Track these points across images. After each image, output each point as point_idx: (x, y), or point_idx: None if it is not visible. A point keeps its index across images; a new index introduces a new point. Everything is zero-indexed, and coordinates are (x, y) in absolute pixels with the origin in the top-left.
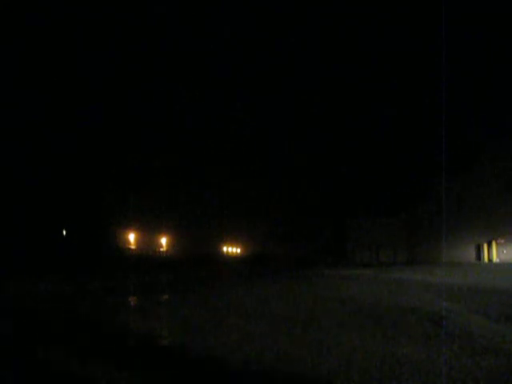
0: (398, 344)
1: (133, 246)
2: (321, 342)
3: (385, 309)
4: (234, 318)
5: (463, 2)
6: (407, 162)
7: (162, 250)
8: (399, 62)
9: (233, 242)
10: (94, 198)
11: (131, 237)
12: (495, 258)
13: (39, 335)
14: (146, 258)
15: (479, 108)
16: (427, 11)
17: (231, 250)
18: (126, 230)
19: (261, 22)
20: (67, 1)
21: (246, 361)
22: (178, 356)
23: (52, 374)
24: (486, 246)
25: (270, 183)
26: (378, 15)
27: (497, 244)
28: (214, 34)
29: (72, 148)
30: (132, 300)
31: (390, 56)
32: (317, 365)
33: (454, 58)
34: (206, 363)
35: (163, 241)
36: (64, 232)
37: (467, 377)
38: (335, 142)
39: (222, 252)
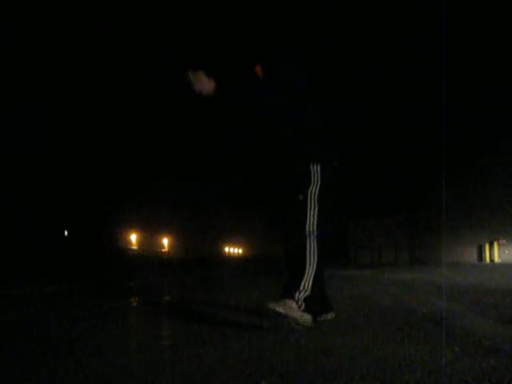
0: (399, 344)
1: (135, 247)
2: None
3: (385, 308)
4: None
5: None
6: (407, 163)
7: (163, 250)
8: (399, 62)
9: (234, 242)
10: (95, 198)
11: (133, 237)
12: (497, 259)
13: None
14: (147, 258)
15: (480, 107)
16: (427, 11)
17: (233, 250)
18: (128, 230)
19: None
20: (67, 1)
21: None
22: None
23: None
24: (487, 247)
25: (270, 184)
26: (378, 15)
27: (498, 245)
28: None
29: (73, 148)
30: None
31: (389, 56)
32: None
33: (454, 58)
34: None
35: (165, 241)
36: (66, 232)
37: (467, 376)
38: (335, 143)
39: (224, 253)
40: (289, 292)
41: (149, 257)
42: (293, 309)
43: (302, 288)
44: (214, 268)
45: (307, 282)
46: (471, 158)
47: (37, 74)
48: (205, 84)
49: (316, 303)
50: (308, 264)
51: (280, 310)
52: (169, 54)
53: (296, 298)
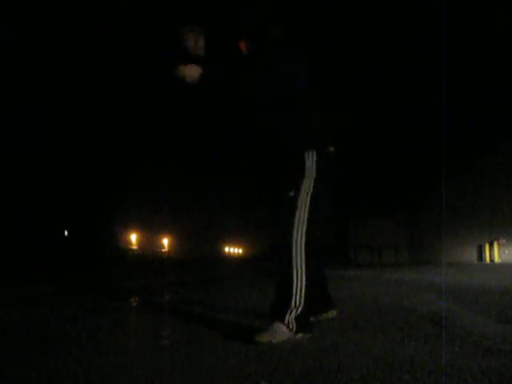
0: (399, 344)
1: (135, 247)
2: None
3: (385, 308)
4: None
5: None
6: (407, 163)
7: (163, 250)
8: (399, 62)
9: (234, 242)
10: (95, 198)
11: (133, 237)
12: (497, 259)
13: None
14: (147, 258)
15: (480, 107)
16: (427, 11)
17: (233, 250)
18: (128, 230)
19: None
20: (67, 0)
21: None
22: None
23: None
24: (487, 247)
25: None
26: (378, 15)
27: (498, 245)
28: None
29: (72, 148)
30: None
31: (389, 56)
32: None
33: (454, 58)
34: None
35: (165, 241)
36: (66, 232)
37: (467, 376)
38: (336, 143)
39: (224, 253)
40: (278, 314)
41: (149, 257)
42: (282, 333)
43: (292, 306)
44: (213, 268)
45: (298, 297)
46: (471, 158)
47: (37, 74)
48: (191, 70)
49: (307, 321)
50: (295, 278)
51: (264, 340)
52: (169, 54)
53: (286, 321)
